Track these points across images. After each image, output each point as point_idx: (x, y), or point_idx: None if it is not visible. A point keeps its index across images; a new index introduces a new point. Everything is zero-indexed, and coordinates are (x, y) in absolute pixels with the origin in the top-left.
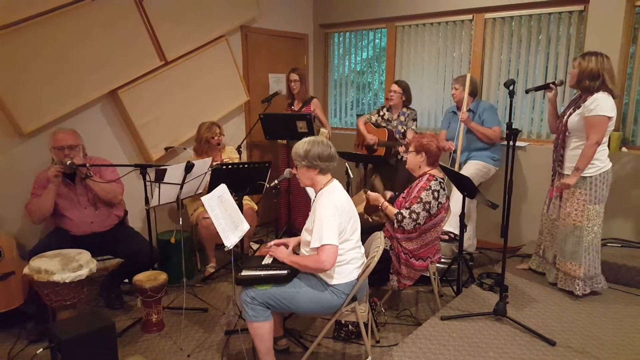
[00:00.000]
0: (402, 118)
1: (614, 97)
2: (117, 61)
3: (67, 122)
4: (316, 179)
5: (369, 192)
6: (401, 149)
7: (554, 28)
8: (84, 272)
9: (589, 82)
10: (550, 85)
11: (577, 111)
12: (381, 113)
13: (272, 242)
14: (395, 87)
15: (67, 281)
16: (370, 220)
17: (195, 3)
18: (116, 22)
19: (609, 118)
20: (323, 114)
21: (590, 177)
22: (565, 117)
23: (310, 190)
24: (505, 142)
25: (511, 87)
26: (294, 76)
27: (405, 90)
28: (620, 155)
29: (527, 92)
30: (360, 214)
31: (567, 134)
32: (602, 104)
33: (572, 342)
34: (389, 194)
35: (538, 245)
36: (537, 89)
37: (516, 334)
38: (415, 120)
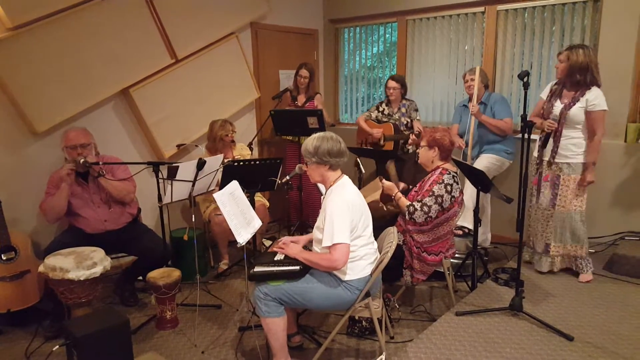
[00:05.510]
0: (403, 110)
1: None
2: (128, 60)
3: (80, 121)
4: (326, 175)
5: (384, 180)
6: (412, 137)
7: (568, 19)
8: (98, 270)
9: (579, 76)
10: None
11: (578, 104)
12: (380, 109)
13: (283, 239)
14: (393, 83)
15: (81, 279)
16: (385, 209)
17: (205, 0)
18: (127, 20)
19: (606, 111)
20: (325, 110)
21: (585, 162)
22: (560, 108)
23: (321, 186)
24: (519, 135)
25: (525, 79)
26: (305, 72)
27: (403, 84)
28: (638, 147)
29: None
30: (375, 202)
31: (564, 125)
32: (602, 99)
33: (590, 338)
34: (402, 185)
35: (528, 237)
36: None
37: (533, 330)
38: (417, 110)
